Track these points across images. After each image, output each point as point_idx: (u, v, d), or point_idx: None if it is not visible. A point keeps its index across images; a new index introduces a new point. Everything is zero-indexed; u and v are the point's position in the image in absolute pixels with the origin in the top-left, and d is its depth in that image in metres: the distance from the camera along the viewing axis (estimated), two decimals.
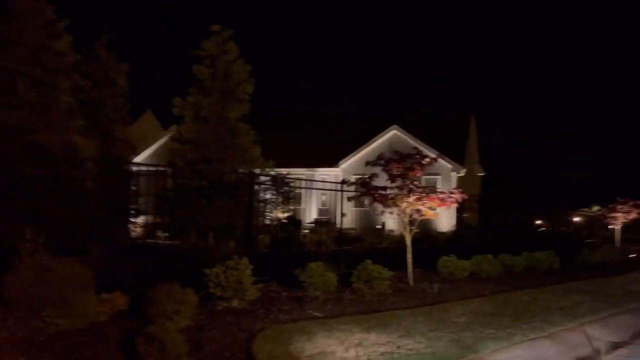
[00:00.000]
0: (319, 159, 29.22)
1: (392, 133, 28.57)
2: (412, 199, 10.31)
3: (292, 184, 11.25)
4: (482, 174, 37.77)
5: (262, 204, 11.38)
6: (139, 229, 9.97)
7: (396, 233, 19.92)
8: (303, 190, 19.67)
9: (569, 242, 16.41)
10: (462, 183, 28.83)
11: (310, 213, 28.43)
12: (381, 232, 20.33)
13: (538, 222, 24.49)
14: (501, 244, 14.95)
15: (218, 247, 9.24)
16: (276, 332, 6.71)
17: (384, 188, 10.46)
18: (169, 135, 15.29)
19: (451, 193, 10.64)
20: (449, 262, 11.80)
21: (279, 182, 22.45)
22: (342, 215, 11.33)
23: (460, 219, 14.86)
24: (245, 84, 12.55)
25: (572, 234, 17.19)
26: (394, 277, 11.04)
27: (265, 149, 30.62)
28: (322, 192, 26.19)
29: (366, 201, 10.88)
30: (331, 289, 9.14)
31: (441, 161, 27.70)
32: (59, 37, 9.41)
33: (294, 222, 24.75)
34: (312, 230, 21.94)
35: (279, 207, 24.76)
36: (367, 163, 10.81)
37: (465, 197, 11.16)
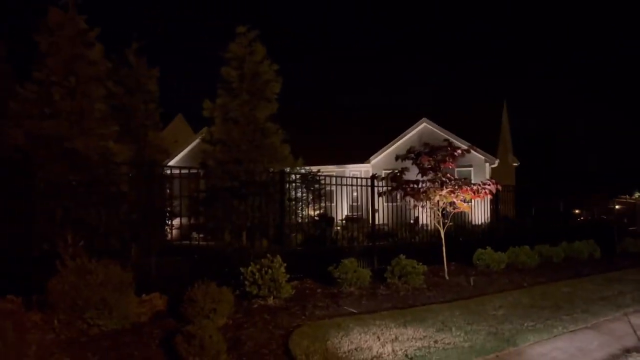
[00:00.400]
0: (349, 156, 29.15)
1: (422, 126, 28.26)
2: (444, 191, 10.22)
3: (322, 181, 11.16)
4: (516, 164, 37.15)
5: (293, 202, 11.40)
6: (174, 231, 10.14)
7: (430, 227, 19.75)
8: (334, 188, 19.65)
9: (610, 230, 15.97)
10: (496, 174, 28.35)
11: (341, 210, 28.39)
12: (414, 227, 20.16)
13: (578, 211, 23.90)
14: (538, 235, 14.66)
15: (252, 247, 9.32)
16: (312, 329, 6.74)
17: (416, 182, 10.40)
18: (199, 138, 15.46)
19: (485, 184, 10.49)
20: (484, 255, 11.65)
21: (309, 180, 22.54)
22: (374, 211, 11.27)
23: (495, 211, 14.60)
24: (273, 84, 12.62)
25: (612, 222, 16.71)
26: (429, 272, 10.98)
27: (294, 147, 30.88)
28: (353, 189, 26.12)
29: (398, 196, 10.81)
30: (365, 285, 9.13)
31: (473, 152, 27.25)
32: (91, 46, 9.66)
33: (326, 219, 24.72)
34: (343, 227, 21.94)
35: (311, 205, 24.89)
36: (397, 157, 10.76)
37: (499, 187, 10.98)
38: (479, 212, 18.54)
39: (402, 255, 9.81)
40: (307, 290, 8.81)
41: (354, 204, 28.38)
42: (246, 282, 7.63)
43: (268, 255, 7.95)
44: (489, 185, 10.52)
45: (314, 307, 7.83)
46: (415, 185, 10.28)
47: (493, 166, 27.16)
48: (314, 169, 18.92)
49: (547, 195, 22.25)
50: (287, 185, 10.34)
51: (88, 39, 9.65)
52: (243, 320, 6.90)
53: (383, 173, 26.51)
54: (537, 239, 13.91)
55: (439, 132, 27.69)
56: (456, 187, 10.23)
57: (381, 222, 18.84)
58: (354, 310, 7.90)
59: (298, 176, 11.02)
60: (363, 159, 28.96)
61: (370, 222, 11.23)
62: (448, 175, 10.42)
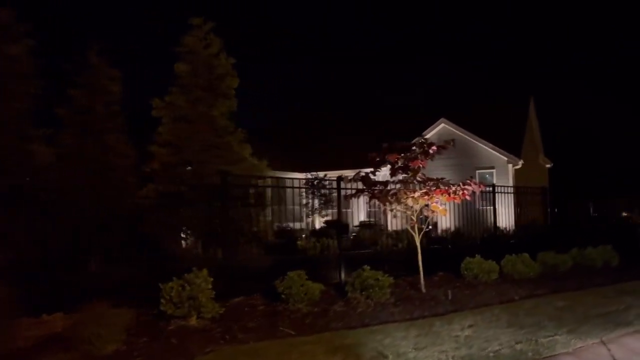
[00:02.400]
0: (365, 159, 27.93)
1: (441, 126, 26.79)
2: (417, 194, 9.02)
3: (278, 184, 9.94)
4: (549, 166, 35.04)
5: (252, 208, 10.43)
6: None
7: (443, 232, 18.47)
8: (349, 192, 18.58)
9: (635, 234, 14.28)
10: (522, 176, 26.67)
11: (357, 216, 27.29)
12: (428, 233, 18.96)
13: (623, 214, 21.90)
14: (551, 241, 13.20)
15: (196, 258, 8.40)
16: (219, 357, 5.73)
17: (385, 183, 9.24)
18: None
19: (464, 185, 9.23)
20: (472, 264, 10.34)
21: (315, 185, 21.51)
22: (340, 214, 10.15)
23: (494, 214, 13.22)
24: (229, 79, 11.65)
25: (636, 225, 15.00)
26: (406, 284, 9.82)
27: (308, 151, 30.12)
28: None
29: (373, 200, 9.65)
30: (316, 301, 8.04)
31: (495, 153, 25.76)
32: (15, 41, 8.96)
33: (340, 225, 23.58)
34: (356, 233, 20.80)
35: (317, 211, 23.84)
36: (368, 156, 9.63)
37: (483, 188, 9.69)
38: (504, 216, 17.09)
39: (366, 266, 8.67)
40: (247, 308, 7.78)
41: (371, 209, 27.24)
42: (162, 300, 6.68)
43: (194, 269, 6.99)
44: (470, 185, 9.25)
45: (242, 328, 6.80)
46: (384, 187, 9.12)
47: (516, 167, 25.43)
48: (333, 173, 17.83)
49: (577, 197, 20.59)
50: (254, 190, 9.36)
51: (11, 34, 8.99)
52: (142, 346, 5.95)
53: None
54: (549, 244, 12.46)
55: (458, 132, 26.21)
56: (430, 188, 9.02)
57: (397, 228, 17.68)
58: (292, 332, 6.84)
59: (261, 180, 9.96)
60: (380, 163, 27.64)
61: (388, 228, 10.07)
62: (421, 175, 9.22)
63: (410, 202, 9.06)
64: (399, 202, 9.07)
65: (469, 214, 14.51)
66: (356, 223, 26.11)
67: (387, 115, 30.94)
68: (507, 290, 9.70)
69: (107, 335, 5.55)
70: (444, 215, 9.37)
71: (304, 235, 17.46)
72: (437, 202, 9.17)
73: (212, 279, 6.94)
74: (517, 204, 17.42)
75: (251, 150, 12.16)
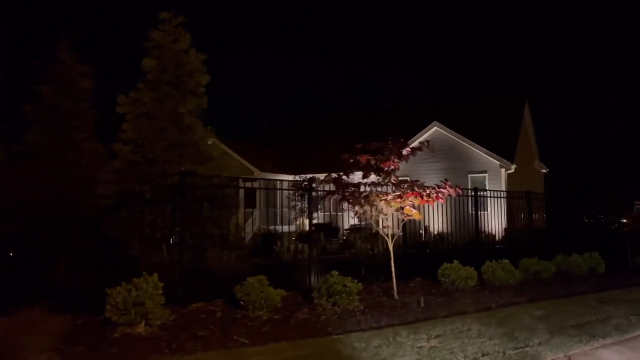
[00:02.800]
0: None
1: (433, 130, 26.42)
2: (390, 196, 8.63)
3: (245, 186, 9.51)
4: (545, 171, 34.67)
5: (219, 210, 10.02)
6: None
7: (409, 237, 18.09)
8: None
9: (622, 241, 13.87)
10: (515, 180, 26.29)
11: (348, 219, 26.97)
12: (421, 236, 18.56)
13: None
14: (537, 247, 12.82)
15: (155, 261, 8.01)
16: None
17: (357, 185, 8.85)
18: None
19: (439, 187, 8.85)
20: (449, 270, 9.94)
21: (220, 186, 21.13)
22: (311, 218, 9.76)
23: (476, 219, 12.82)
24: (198, 75, 11.23)
25: (629, 231, 14.58)
26: (379, 290, 9.43)
27: (299, 156, 29.75)
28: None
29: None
30: (278, 307, 7.64)
31: (488, 157, 25.36)
32: None
33: (330, 229, 23.20)
34: (345, 237, 20.38)
35: (305, 214, 23.35)
36: (341, 157, 9.24)
37: (460, 191, 9.31)
38: (496, 221, 16.66)
39: (334, 271, 8.27)
40: (204, 314, 7.37)
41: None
42: (108, 306, 6.29)
43: (144, 273, 6.60)
44: (445, 188, 8.86)
45: (192, 337, 6.40)
46: (356, 189, 8.72)
47: (509, 172, 25.03)
48: (322, 177, 17.51)
49: (573, 202, 20.16)
50: (216, 192, 8.97)
51: None
52: (77, 355, 5.55)
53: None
54: (535, 250, 12.08)
55: (451, 136, 25.91)
56: (404, 191, 8.63)
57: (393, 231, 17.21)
58: (245, 341, 6.44)
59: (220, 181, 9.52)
60: None
61: (308, 230, 9.65)
62: (395, 177, 8.82)
63: (382, 205, 8.66)
64: (371, 204, 8.67)
65: (462, 218, 14.08)
66: (348, 226, 25.75)
67: (381, 119, 30.60)
68: (484, 298, 9.31)
69: (36, 344, 5.16)
70: (419, 218, 8.96)
71: (294, 239, 17.08)
72: (410, 205, 8.77)
73: (162, 284, 6.55)
74: (507, 209, 17.10)
75: (222, 149, 11.76)
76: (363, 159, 8.58)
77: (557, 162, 38.71)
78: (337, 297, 7.86)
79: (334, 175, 8.82)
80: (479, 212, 12.76)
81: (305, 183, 9.47)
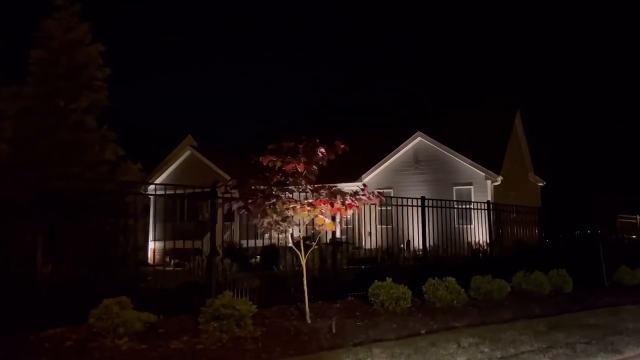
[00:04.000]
0: (339, 175, 26.40)
1: (417, 140, 25.23)
2: (298, 205, 7.47)
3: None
4: (541, 184, 33.22)
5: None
6: None
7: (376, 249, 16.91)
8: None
9: (596, 258, 12.50)
10: (504, 193, 24.97)
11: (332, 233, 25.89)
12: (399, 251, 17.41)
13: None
14: (506, 263, 11.61)
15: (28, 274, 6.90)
16: None
17: (263, 192, 7.67)
18: None
19: (356, 195, 7.69)
20: (380, 289, 8.72)
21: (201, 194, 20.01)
22: (213, 230, 8.60)
23: (423, 231, 11.61)
24: (94, 68, 10.22)
25: (604, 244, 13.18)
26: (298, 311, 8.22)
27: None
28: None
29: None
30: (150, 334, 6.50)
31: (473, 169, 24.04)
32: None
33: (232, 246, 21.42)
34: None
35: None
36: (252, 159, 8.08)
37: (383, 199, 8.14)
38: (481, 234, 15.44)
39: (227, 291, 7.14)
40: (56, 341, 6.22)
41: (345, 226, 25.56)
42: None
43: None
44: (364, 196, 7.71)
45: None
46: (262, 196, 7.54)
47: (496, 184, 23.69)
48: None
49: (572, 217, 18.87)
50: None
51: None
52: None
53: (376, 192, 23.86)
54: (495, 267, 10.85)
55: (435, 147, 24.72)
56: (326, 198, 7.49)
57: (374, 245, 15.98)
58: None
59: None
60: (355, 177, 26.16)
61: (211, 246, 8.47)
62: (304, 183, 7.67)
63: (291, 214, 7.50)
64: (278, 214, 7.51)
65: (445, 231, 12.97)
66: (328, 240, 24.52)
67: (365, 129, 29.56)
68: (415, 322, 8.06)
69: None
70: (332, 229, 7.80)
71: (258, 256, 15.90)
72: (329, 214, 7.62)
73: None
74: (489, 223, 15.95)
75: (122, 152, 10.67)
76: (266, 160, 7.45)
77: (557, 176, 37.34)
78: (224, 322, 6.69)
79: (252, 181, 7.63)
80: (426, 223, 11.55)
81: (207, 189, 8.32)
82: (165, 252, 10.35)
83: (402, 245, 19.27)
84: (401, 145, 25.76)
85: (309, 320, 7.72)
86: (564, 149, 43.49)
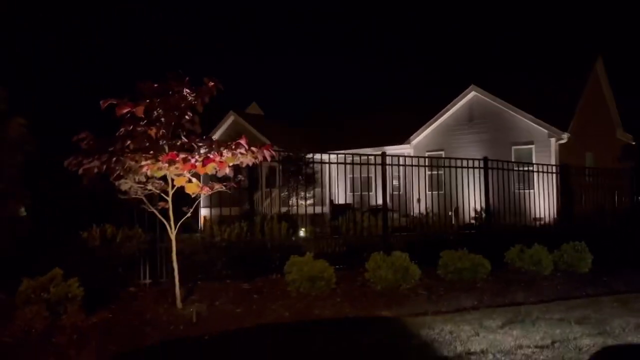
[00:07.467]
0: (385, 138, 24.31)
1: (472, 95, 22.29)
2: (163, 159, 5.84)
3: None
4: (633, 143, 28.58)
5: None
6: None
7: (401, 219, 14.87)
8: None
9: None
10: (589, 154, 21.73)
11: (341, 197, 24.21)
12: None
13: None
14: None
15: None
16: None
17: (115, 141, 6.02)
18: None
19: (226, 148, 5.94)
20: (293, 266, 6.96)
21: None
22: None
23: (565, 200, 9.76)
24: None
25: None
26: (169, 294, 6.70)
27: (333, 137, 26.76)
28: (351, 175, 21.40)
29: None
30: None
31: (534, 125, 20.80)
32: None
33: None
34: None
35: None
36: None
37: (273, 154, 6.28)
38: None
39: (57, 268, 5.77)
40: None
41: (392, 192, 23.42)
42: None
43: None
44: (238, 149, 5.93)
45: None
46: (112, 149, 5.94)
47: (561, 142, 20.27)
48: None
49: None
50: None
51: None
52: None
53: (426, 154, 21.52)
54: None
55: (491, 101, 21.70)
56: (174, 152, 5.84)
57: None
58: None
59: None
60: (403, 139, 23.94)
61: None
62: (161, 130, 5.99)
63: (149, 172, 5.93)
64: (132, 172, 5.96)
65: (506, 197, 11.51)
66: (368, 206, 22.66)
67: (416, 91, 27.17)
68: (307, 309, 6.26)
69: None
70: (197, 192, 6.09)
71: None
72: (186, 174, 5.96)
73: None
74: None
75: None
76: (124, 108, 5.78)
77: None
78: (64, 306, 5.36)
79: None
80: (489, 188, 9.62)
81: None
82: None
83: (450, 213, 17.05)
84: (453, 102, 23.00)
85: (179, 305, 6.19)
86: None
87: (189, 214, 6.37)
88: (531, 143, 20.85)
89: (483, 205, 11.26)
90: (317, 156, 10.94)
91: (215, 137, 26.67)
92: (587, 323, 5.71)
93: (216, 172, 6.09)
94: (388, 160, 10.39)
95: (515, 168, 14.52)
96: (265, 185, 24.89)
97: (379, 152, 10.68)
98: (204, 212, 25.26)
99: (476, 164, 10.93)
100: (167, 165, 5.84)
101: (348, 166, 11.32)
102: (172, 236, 6.25)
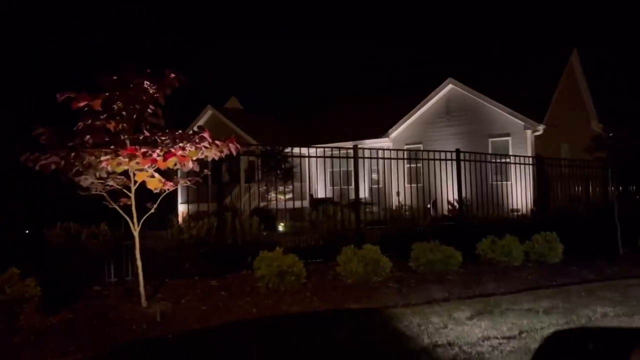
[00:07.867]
0: (364, 132, 24.25)
1: (449, 88, 22.34)
2: (123, 154, 5.68)
3: None
4: (610, 135, 28.77)
5: None
6: None
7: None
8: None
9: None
10: (564, 145, 21.91)
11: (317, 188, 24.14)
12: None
13: None
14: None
15: None
16: None
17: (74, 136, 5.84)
18: None
19: (182, 141, 5.79)
20: (261, 262, 6.86)
21: None
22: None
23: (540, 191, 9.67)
24: None
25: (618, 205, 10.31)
26: (130, 294, 6.54)
27: (314, 131, 26.60)
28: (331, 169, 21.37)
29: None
30: None
31: (510, 117, 20.91)
32: None
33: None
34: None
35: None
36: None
37: (238, 148, 6.15)
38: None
39: (14, 268, 5.57)
40: None
41: (372, 186, 23.42)
42: None
43: None
44: (207, 143, 5.79)
45: None
46: (71, 144, 5.78)
47: (537, 134, 20.46)
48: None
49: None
50: None
51: None
52: None
53: (405, 147, 21.47)
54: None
55: (468, 94, 21.75)
56: (133, 147, 5.68)
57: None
58: None
59: None
60: (381, 133, 23.89)
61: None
62: (122, 124, 5.84)
63: (109, 167, 5.76)
64: (92, 167, 5.79)
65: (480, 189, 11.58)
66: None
67: (392, 85, 27.10)
68: (277, 303, 6.18)
69: None
70: (159, 188, 5.95)
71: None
72: (148, 168, 5.80)
73: None
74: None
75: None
76: (83, 100, 5.60)
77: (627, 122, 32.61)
78: None
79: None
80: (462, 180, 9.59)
81: None
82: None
83: (428, 206, 17.05)
84: (430, 95, 23.01)
85: (144, 303, 6.04)
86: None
87: (152, 210, 6.21)
88: (507, 135, 20.98)
89: (457, 198, 11.29)
90: (296, 150, 10.83)
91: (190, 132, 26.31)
92: (555, 312, 5.71)
93: (175, 165, 5.92)
94: (367, 153, 10.34)
95: (490, 160, 14.62)
96: (244, 180, 24.66)
97: (361, 146, 10.65)
98: (182, 208, 25.03)
99: (449, 156, 10.90)
100: (127, 160, 5.67)
101: (328, 160, 11.26)
102: (136, 233, 6.09)
